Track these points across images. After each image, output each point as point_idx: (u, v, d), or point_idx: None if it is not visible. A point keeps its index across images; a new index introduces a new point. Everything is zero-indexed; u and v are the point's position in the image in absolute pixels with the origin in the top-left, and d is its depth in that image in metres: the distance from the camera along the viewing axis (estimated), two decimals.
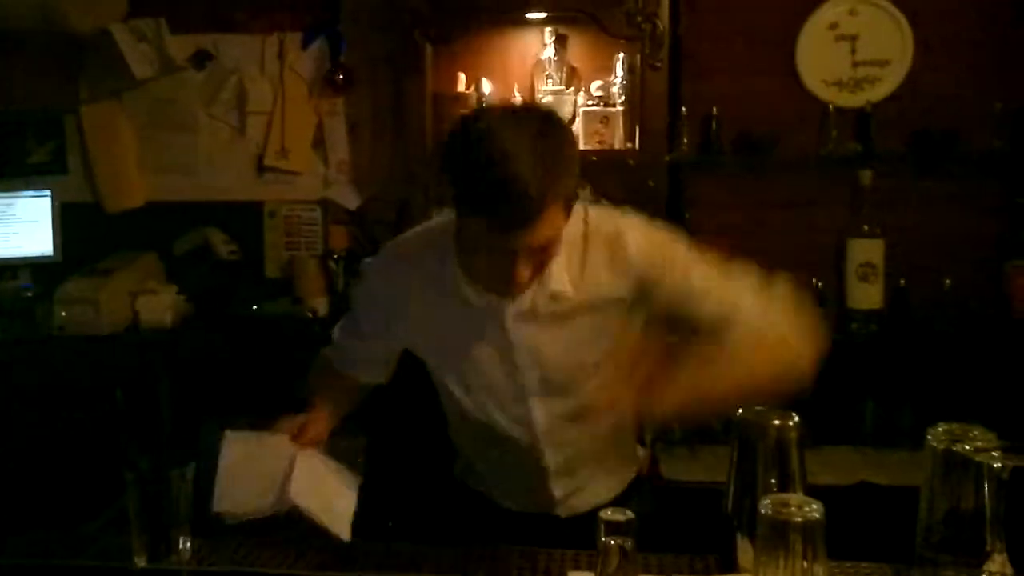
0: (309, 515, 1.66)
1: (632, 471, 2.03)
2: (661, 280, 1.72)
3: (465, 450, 2.02)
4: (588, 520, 1.56)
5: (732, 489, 1.46)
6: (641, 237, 1.74)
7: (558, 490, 1.92)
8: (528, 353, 1.76)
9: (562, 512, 1.93)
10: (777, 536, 1.26)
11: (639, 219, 1.79)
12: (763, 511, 1.28)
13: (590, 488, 1.93)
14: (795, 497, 1.32)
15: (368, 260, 1.91)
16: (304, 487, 1.69)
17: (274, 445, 1.77)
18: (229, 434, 1.77)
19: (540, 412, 1.82)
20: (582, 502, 1.92)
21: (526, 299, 1.72)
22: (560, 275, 1.71)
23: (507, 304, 1.72)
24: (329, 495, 1.75)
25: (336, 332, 1.98)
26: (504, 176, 1.48)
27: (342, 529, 1.67)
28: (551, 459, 1.88)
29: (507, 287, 1.65)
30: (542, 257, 1.62)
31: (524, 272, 1.60)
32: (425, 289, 1.78)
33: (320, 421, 1.90)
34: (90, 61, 3.71)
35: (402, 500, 2.06)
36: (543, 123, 1.57)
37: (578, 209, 1.71)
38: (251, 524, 1.76)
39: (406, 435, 1.96)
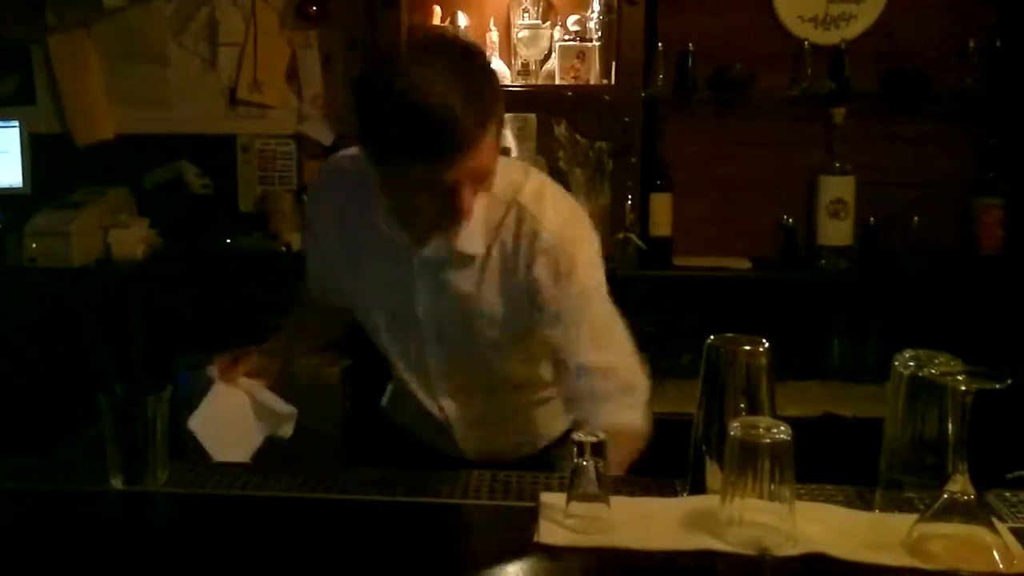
0: (202, 444, 1.77)
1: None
2: (542, 304, 1.66)
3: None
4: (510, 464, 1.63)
5: (701, 414, 1.48)
6: (548, 260, 1.64)
7: (466, 444, 1.89)
8: (428, 296, 1.72)
9: (473, 458, 1.87)
10: (746, 457, 1.29)
11: (572, 230, 1.67)
12: (732, 433, 1.30)
13: (511, 445, 1.89)
14: (764, 420, 1.34)
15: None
16: (206, 419, 1.79)
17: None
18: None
19: (435, 361, 1.79)
20: (498, 454, 1.87)
21: (439, 248, 1.66)
22: (472, 236, 1.63)
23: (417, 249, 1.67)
24: (234, 429, 1.82)
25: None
26: (425, 101, 1.41)
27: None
28: (451, 413, 1.85)
29: (441, 229, 1.61)
30: (477, 189, 1.54)
31: (469, 200, 1.52)
32: (347, 209, 1.73)
33: (252, 353, 1.88)
34: None
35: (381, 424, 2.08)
36: (461, 53, 1.50)
37: (516, 173, 1.66)
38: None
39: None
